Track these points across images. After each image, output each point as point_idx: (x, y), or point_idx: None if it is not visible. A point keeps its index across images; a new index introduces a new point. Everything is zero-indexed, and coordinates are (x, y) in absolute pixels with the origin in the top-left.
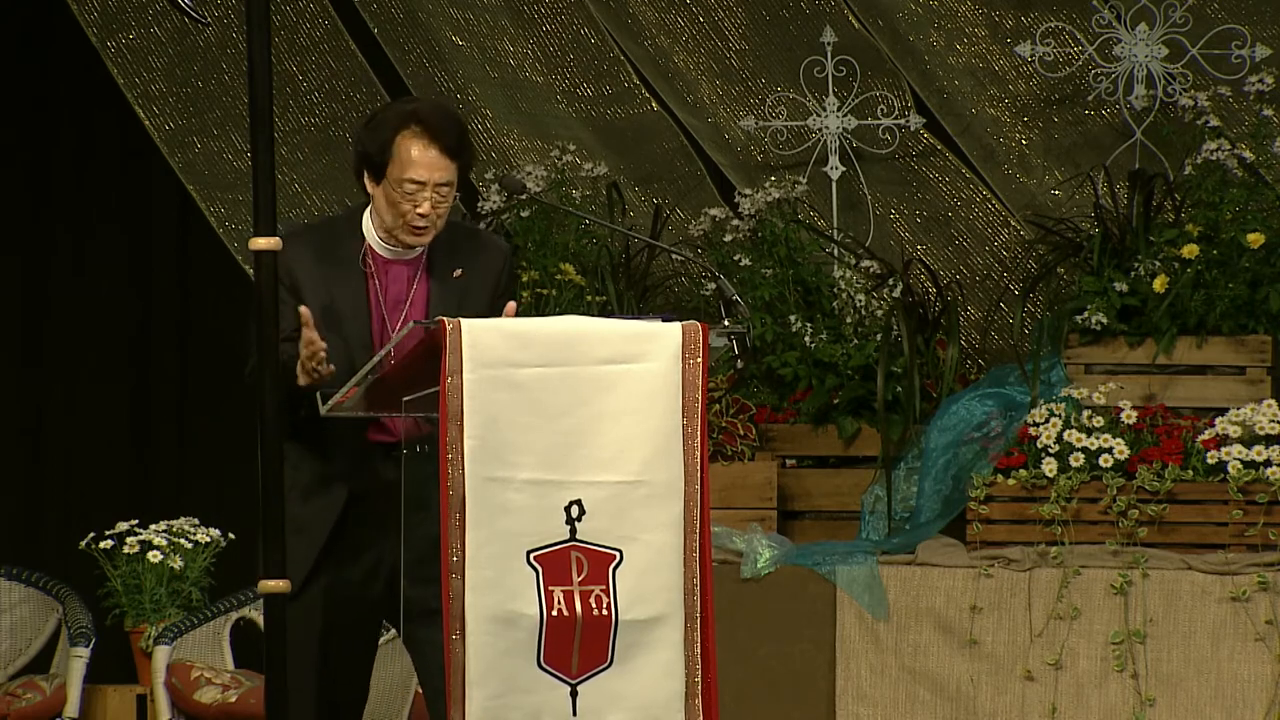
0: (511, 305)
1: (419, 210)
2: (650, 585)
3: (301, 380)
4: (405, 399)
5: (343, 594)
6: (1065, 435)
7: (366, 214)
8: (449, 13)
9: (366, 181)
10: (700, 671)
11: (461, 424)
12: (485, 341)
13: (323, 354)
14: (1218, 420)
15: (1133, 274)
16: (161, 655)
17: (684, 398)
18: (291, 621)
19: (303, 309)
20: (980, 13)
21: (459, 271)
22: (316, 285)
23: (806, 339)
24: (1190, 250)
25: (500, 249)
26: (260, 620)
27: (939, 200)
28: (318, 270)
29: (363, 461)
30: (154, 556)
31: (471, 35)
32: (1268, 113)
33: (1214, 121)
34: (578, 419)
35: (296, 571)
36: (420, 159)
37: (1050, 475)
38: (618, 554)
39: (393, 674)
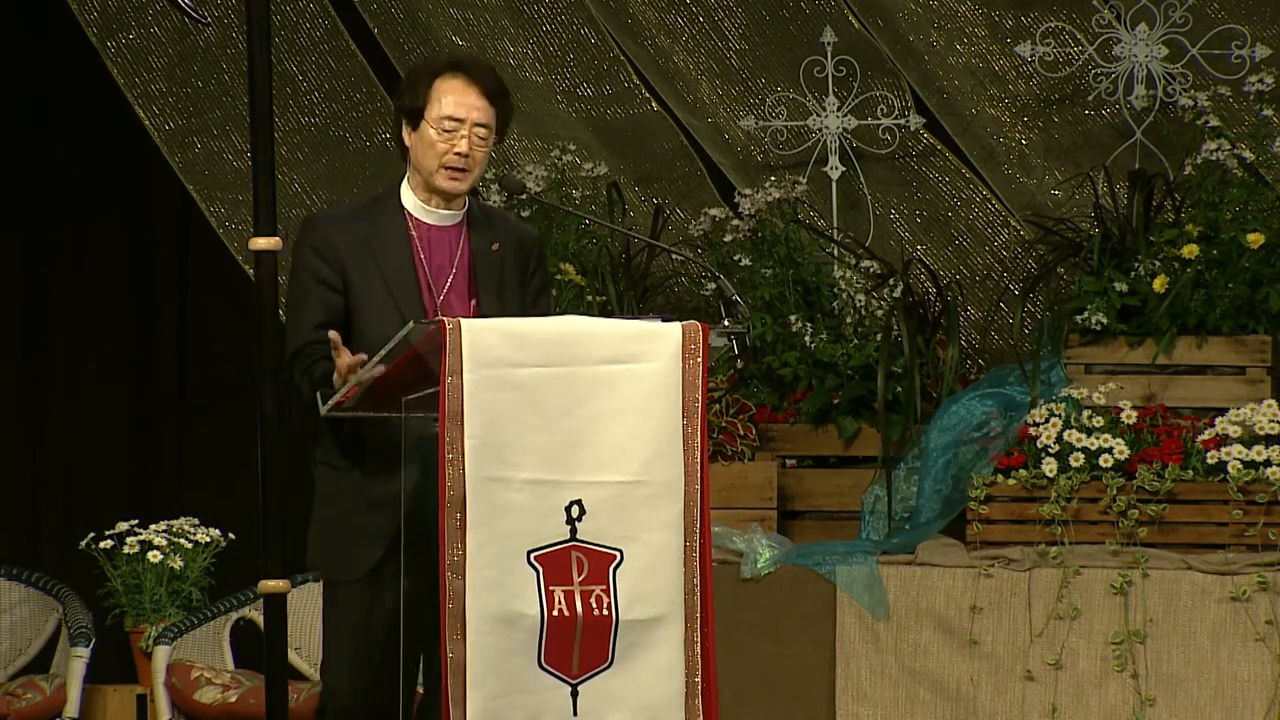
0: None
1: (456, 149)
2: (650, 585)
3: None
4: (405, 399)
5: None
6: (1065, 435)
7: (404, 185)
8: (449, 13)
9: (405, 135)
10: (700, 671)
11: (461, 424)
12: (485, 341)
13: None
14: (1218, 420)
15: (1133, 274)
16: (161, 655)
17: (684, 398)
18: (358, 600)
19: (332, 334)
20: (980, 13)
21: (497, 245)
22: (364, 261)
23: (806, 339)
24: (1190, 250)
25: (529, 234)
26: (260, 620)
27: (939, 200)
28: (363, 246)
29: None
30: (154, 556)
31: (471, 35)
32: (1268, 113)
33: (1214, 121)
34: (578, 419)
35: (372, 548)
36: (459, 98)
37: (1050, 475)
38: (618, 554)
39: None
